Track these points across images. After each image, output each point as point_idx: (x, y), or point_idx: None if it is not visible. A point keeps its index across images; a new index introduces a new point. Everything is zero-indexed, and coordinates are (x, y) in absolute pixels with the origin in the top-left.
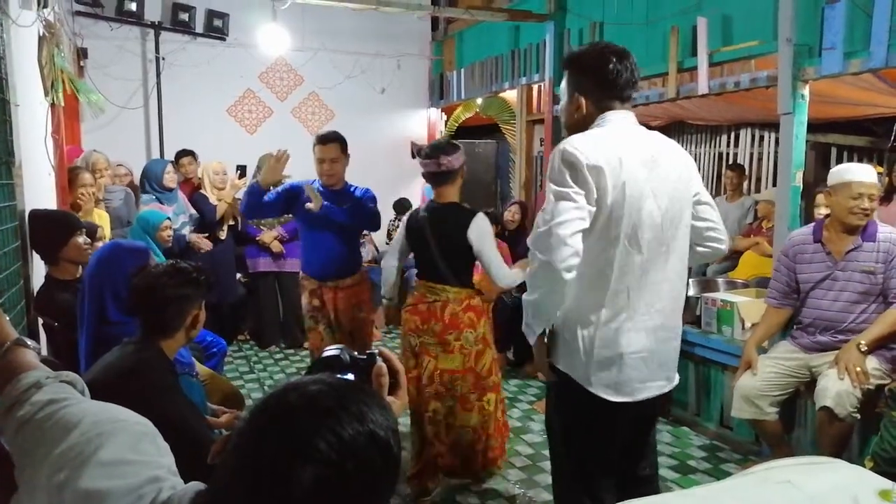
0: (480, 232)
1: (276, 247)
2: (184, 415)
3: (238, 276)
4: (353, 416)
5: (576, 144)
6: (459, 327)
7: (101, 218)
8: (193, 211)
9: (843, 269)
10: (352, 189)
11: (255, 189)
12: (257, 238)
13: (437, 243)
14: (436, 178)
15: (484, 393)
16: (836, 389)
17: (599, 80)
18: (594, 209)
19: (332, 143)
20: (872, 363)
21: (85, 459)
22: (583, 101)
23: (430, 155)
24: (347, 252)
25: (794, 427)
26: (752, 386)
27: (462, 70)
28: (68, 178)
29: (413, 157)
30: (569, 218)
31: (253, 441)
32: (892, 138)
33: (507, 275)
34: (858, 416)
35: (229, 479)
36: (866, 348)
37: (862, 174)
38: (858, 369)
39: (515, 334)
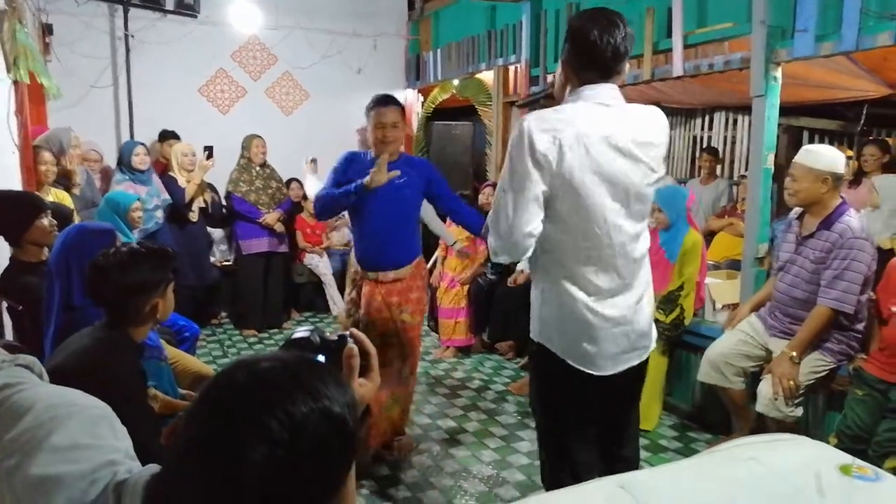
0: None
1: (280, 227)
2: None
3: (212, 259)
4: (306, 392)
5: (534, 123)
6: None
7: (63, 199)
8: (167, 196)
9: (801, 253)
10: (411, 159)
11: (361, 192)
12: (259, 220)
13: None
14: None
15: None
16: (769, 396)
17: (580, 49)
18: (547, 188)
19: (393, 107)
20: (815, 357)
21: (36, 445)
22: (567, 69)
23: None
24: (400, 238)
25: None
26: (718, 353)
27: (439, 50)
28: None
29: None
30: (528, 214)
31: (202, 421)
32: (862, 122)
33: None
34: (800, 412)
35: (181, 460)
36: (798, 360)
37: (799, 155)
38: (792, 383)
39: (490, 315)
